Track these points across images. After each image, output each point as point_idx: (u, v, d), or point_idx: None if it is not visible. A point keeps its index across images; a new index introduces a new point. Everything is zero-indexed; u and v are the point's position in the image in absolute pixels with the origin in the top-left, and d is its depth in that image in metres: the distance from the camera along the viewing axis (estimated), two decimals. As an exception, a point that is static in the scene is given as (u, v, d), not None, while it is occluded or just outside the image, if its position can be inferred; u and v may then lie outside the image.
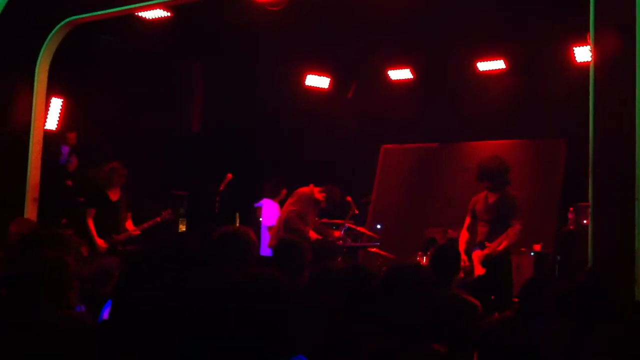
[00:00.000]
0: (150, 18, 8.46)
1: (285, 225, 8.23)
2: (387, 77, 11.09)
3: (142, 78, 10.28)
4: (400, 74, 11.02)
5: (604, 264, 4.77)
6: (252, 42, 9.97)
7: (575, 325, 3.10)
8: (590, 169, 4.98)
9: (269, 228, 8.75)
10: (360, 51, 10.24)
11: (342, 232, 8.83)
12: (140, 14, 8.32)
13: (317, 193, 8.42)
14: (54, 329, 3.08)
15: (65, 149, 9.90)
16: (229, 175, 8.63)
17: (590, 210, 4.98)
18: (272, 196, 9.00)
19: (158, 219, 8.16)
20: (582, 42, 8.50)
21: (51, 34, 8.18)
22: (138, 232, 8.05)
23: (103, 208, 8.04)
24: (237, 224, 9.67)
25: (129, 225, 8.15)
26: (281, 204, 8.94)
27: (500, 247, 6.59)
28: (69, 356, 2.82)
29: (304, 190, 8.51)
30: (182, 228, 10.34)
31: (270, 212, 8.95)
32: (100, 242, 7.92)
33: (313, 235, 8.36)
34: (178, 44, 10.33)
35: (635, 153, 4.75)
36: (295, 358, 2.62)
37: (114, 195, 8.11)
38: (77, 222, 9.17)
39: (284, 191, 9.02)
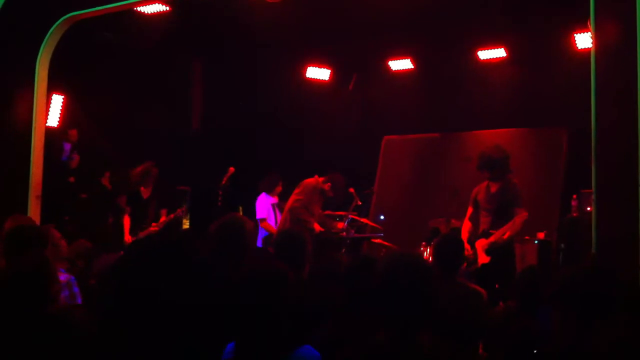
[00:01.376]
0: (149, 13, 8.44)
1: (291, 215, 8.33)
2: (388, 67, 11.07)
3: (142, 74, 10.27)
4: (400, 65, 11.00)
5: (608, 250, 4.77)
6: (252, 36, 9.96)
7: (581, 313, 3.09)
8: (593, 156, 4.97)
9: (261, 220, 8.98)
10: (360, 42, 10.21)
11: (346, 223, 8.84)
12: (139, 9, 8.31)
13: (322, 183, 8.49)
14: (42, 327, 3.09)
15: (67, 146, 9.91)
16: (231, 169, 8.66)
17: (593, 197, 4.97)
18: (268, 190, 9.13)
19: (172, 216, 8.44)
20: (583, 28, 8.47)
21: (51, 31, 8.16)
22: (156, 228, 8.29)
23: (135, 206, 8.41)
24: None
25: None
26: (281, 197, 9.02)
27: (506, 235, 6.58)
28: (58, 354, 2.83)
29: (309, 181, 8.60)
30: (186, 222, 10.36)
31: (262, 205, 9.11)
32: (128, 239, 8.24)
33: (317, 227, 8.40)
34: (178, 40, 10.32)
35: (638, 139, 4.74)
36: (302, 348, 2.64)
37: (146, 194, 8.46)
38: (80, 219, 9.24)
39: (279, 188, 9.14)
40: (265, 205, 9.08)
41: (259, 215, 9.05)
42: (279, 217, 8.98)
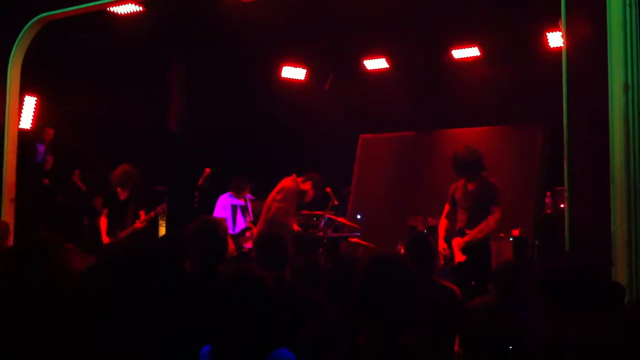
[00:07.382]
0: (123, 13, 8.37)
1: (272, 220, 8.24)
2: (363, 66, 11.10)
3: (119, 74, 10.21)
4: (376, 64, 11.02)
5: (580, 248, 4.82)
6: (228, 36, 9.93)
7: (559, 309, 3.11)
8: (565, 154, 5.02)
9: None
10: (335, 41, 10.23)
11: (323, 223, 8.84)
12: (112, 9, 8.24)
13: (302, 184, 8.43)
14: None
15: (41, 148, 9.82)
16: (207, 170, 8.62)
17: (566, 194, 5.02)
18: (234, 191, 9.06)
19: (152, 214, 8.36)
20: (555, 27, 8.56)
21: (23, 32, 8.09)
22: (139, 225, 8.22)
23: (112, 207, 8.32)
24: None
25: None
26: (258, 197, 8.97)
27: (481, 234, 6.64)
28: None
29: (290, 185, 8.44)
30: (162, 223, 10.31)
31: (220, 203, 9.07)
32: (106, 240, 8.13)
33: (295, 227, 8.38)
34: (153, 41, 10.27)
35: (608, 137, 4.80)
36: (278, 350, 2.65)
37: (123, 195, 8.36)
38: (56, 221, 9.16)
39: (246, 192, 9.08)
40: (222, 205, 9.01)
41: (214, 214, 8.97)
42: (240, 219, 8.92)
